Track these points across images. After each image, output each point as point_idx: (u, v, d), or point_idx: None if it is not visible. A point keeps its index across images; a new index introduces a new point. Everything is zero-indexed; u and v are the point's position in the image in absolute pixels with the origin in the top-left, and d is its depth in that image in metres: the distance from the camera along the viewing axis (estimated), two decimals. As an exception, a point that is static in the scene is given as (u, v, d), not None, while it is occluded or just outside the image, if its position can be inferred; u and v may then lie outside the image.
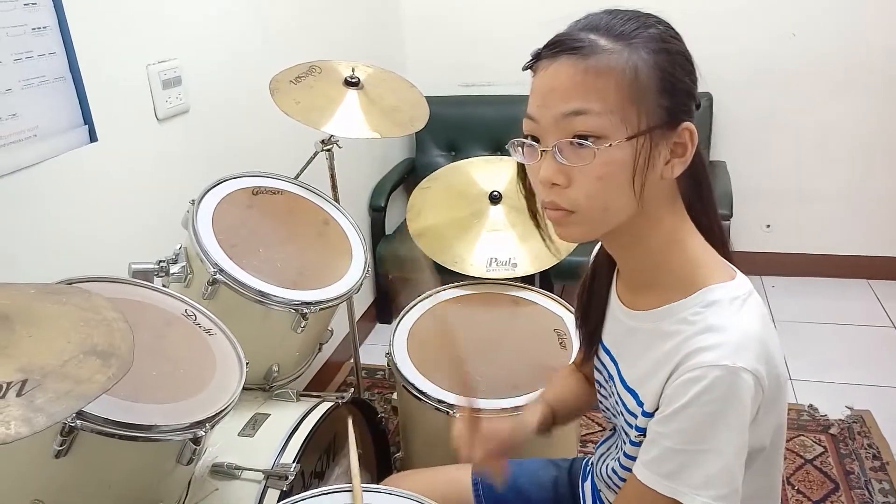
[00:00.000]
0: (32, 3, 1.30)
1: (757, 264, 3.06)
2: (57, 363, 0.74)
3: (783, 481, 1.96)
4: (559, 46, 0.77)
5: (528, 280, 1.87)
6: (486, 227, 1.82)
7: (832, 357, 2.54)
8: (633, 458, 0.88)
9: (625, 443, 0.92)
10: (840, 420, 2.20)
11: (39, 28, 1.32)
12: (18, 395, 0.68)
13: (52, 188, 1.38)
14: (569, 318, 1.72)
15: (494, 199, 1.83)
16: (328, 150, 1.81)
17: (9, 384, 0.68)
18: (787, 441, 2.11)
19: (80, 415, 0.92)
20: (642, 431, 0.85)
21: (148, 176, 1.64)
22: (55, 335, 0.79)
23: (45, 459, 0.95)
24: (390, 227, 2.93)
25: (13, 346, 0.74)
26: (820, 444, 2.11)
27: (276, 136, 2.05)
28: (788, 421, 2.19)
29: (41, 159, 1.35)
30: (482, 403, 1.45)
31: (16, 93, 1.28)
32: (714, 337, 0.77)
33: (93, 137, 1.45)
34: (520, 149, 0.83)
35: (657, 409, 0.82)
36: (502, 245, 1.80)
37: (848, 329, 2.74)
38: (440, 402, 1.48)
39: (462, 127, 3.03)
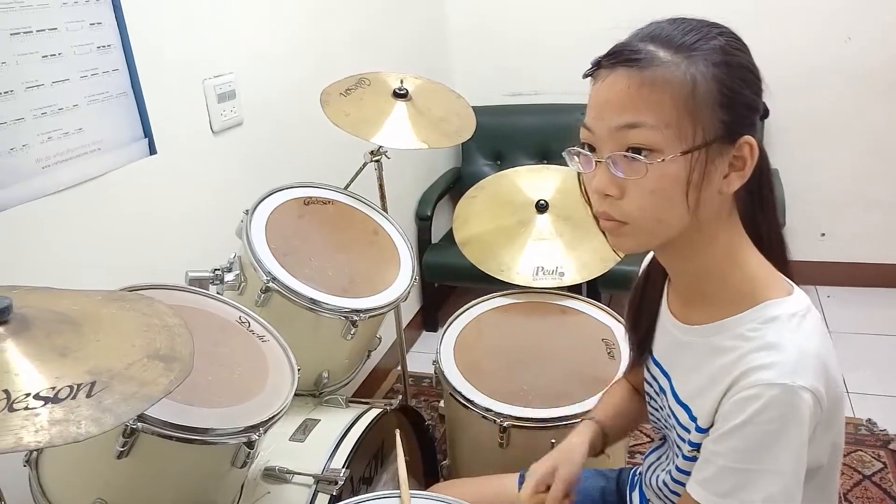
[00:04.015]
0: (98, 23, 1.36)
1: (811, 274, 2.98)
2: (123, 366, 0.77)
3: (840, 498, 1.90)
4: (618, 57, 0.77)
5: (575, 289, 1.86)
6: (533, 235, 1.82)
7: (891, 370, 2.46)
8: (686, 473, 0.87)
9: (677, 456, 0.91)
10: (900, 435, 2.13)
11: (104, 46, 1.38)
12: (88, 396, 0.71)
13: (114, 199, 1.44)
14: (617, 328, 1.70)
15: (541, 207, 1.82)
16: (377, 161, 1.84)
17: (79, 385, 0.72)
18: (845, 456, 2.04)
19: (141, 417, 0.96)
20: (696, 446, 0.85)
21: (204, 187, 1.69)
22: (121, 340, 0.83)
23: (108, 460, 0.99)
24: (436, 235, 2.95)
25: (82, 350, 0.78)
26: (879, 460, 2.04)
27: (327, 148, 2.10)
28: (846, 435, 2.13)
29: (104, 171, 1.41)
30: (531, 413, 1.46)
31: (82, 108, 1.34)
32: (773, 355, 0.76)
33: (152, 150, 1.51)
34: (576, 157, 0.83)
35: (712, 426, 0.81)
36: (549, 254, 1.79)
37: (908, 341, 2.65)
38: (487, 410, 1.48)
39: (508, 136, 3.03)
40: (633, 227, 0.80)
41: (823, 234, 3.02)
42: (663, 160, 0.75)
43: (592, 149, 0.81)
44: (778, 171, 2.85)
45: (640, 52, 0.75)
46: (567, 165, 0.86)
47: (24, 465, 1.11)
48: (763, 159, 0.81)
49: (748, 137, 0.77)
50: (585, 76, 0.81)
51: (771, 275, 0.85)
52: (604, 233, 0.85)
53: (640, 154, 0.75)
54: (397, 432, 1.24)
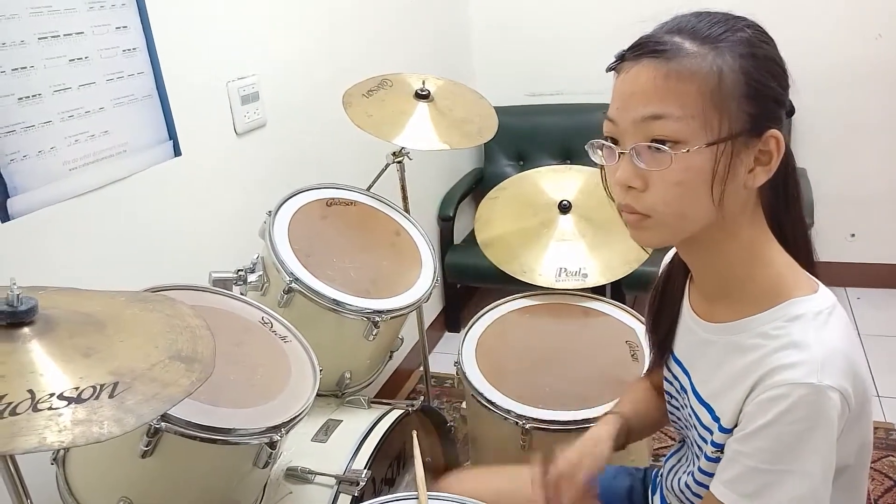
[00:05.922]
0: (123, 27, 1.38)
1: (840, 275, 2.93)
2: (145, 367, 0.78)
3: (872, 503, 1.86)
4: (642, 48, 0.76)
5: (598, 291, 1.84)
6: (556, 236, 1.81)
7: (924, 373, 2.40)
8: (708, 474, 0.86)
9: (698, 457, 0.90)
10: (934, 440, 2.08)
11: (129, 50, 1.40)
12: (111, 396, 0.72)
13: (139, 201, 1.46)
14: (641, 330, 1.68)
15: (564, 208, 1.81)
16: (399, 162, 1.84)
17: (102, 386, 0.72)
18: (876, 461, 2.00)
19: (165, 417, 0.97)
20: (719, 447, 0.83)
21: (227, 188, 1.70)
22: (143, 340, 0.83)
23: (133, 459, 1.00)
24: (458, 236, 2.95)
25: (106, 350, 0.78)
26: (911, 466, 1.99)
27: (349, 149, 2.10)
28: (877, 440, 2.09)
29: (130, 173, 1.42)
30: (553, 415, 1.45)
31: (108, 111, 1.36)
32: (798, 353, 0.75)
33: (177, 152, 1.53)
34: (599, 150, 0.83)
35: (735, 426, 0.80)
36: (572, 255, 1.78)
37: (942, 344, 2.58)
38: (509, 412, 1.47)
39: (530, 136, 3.02)
40: (655, 220, 0.79)
41: (853, 235, 2.96)
42: (688, 151, 0.74)
43: (616, 141, 0.80)
44: (806, 171, 2.80)
45: (666, 43, 0.75)
46: (590, 162, 0.85)
47: (52, 464, 1.13)
48: (788, 156, 0.79)
49: (774, 131, 0.76)
50: (609, 69, 0.80)
51: (796, 273, 0.83)
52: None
53: (664, 145, 0.75)
54: (414, 433, 1.24)
